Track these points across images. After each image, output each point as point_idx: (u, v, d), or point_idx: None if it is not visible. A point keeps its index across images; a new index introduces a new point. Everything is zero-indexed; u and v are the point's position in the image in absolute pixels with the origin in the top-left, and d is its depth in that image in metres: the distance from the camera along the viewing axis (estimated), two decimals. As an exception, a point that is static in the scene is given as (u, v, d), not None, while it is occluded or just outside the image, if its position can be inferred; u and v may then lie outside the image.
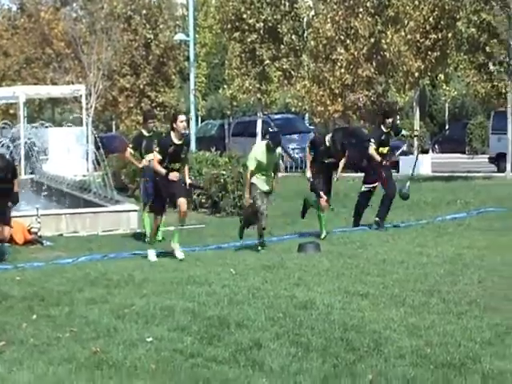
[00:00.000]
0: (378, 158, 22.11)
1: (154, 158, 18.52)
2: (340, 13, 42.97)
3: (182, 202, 17.77)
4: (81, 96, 38.95)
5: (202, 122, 64.93)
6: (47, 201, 28.19)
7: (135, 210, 25.20)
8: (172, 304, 12.69)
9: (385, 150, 22.50)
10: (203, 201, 30.31)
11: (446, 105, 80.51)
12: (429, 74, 42.24)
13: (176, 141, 18.03)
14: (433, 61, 40.61)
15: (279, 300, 12.85)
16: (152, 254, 18.36)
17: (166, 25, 57.13)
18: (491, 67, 38.31)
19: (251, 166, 19.03)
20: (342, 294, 13.44)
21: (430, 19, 40.00)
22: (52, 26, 52.30)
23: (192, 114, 57.07)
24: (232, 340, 10.75)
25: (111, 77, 51.94)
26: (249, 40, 46.62)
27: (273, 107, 53.20)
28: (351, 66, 42.25)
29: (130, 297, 13.46)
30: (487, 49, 38.12)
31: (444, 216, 23.89)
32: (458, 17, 39.55)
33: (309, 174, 21.54)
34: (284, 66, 46.83)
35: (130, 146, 24.14)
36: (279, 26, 46.11)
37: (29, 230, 23.01)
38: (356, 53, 42.46)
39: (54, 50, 51.89)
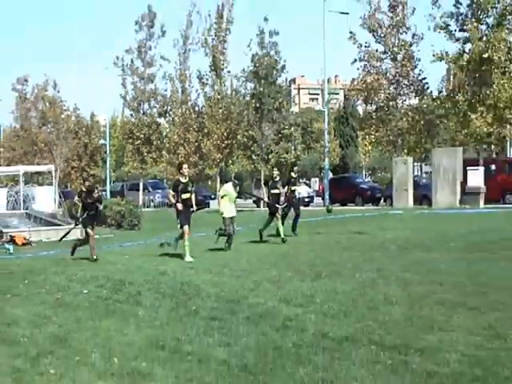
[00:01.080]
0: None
1: (169, 193, 15.91)
2: (181, 130, 42.87)
3: (186, 229, 15.10)
4: (51, 171, 38.09)
5: (113, 183, 64.00)
6: (35, 222, 27.50)
7: (79, 228, 24.74)
8: (97, 274, 12.43)
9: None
10: (112, 222, 29.96)
11: (233, 175, 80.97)
12: (224, 160, 42.53)
13: (183, 180, 15.22)
14: (226, 154, 40.92)
15: (150, 271, 12.76)
16: (188, 257, 14.81)
17: (96, 135, 56.45)
18: (254, 157, 38.90)
19: (221, 193, 16.74)
20: (182, 267, 13.38)
21: (225, 133, 40.37)
22: (37, 136, 51.07)
23: (108, 179, 56.54)
24: (126, 291, 10.65)
25: (67, 161, 51.07)
26: (136, 143, 46.26)
27: (148, 177, 52.78)
28: (186, 156, 42.24)
29: (75, 271, 13.14)
30: (252, 148, 38.77)
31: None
32: (238, 132, 40.01)
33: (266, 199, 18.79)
34: (154, 156, 46.61)
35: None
36: (152, 136, 45.93)
37: (24, 238, 22.44)
38: (189, 150, 42.46)
39: (39, 148, 50.75)
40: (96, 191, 16.87)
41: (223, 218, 16.45)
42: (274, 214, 18.32)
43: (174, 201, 15.22)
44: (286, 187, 19.10)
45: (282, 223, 18.53)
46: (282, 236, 17.90)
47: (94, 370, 6.60)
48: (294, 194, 20.17)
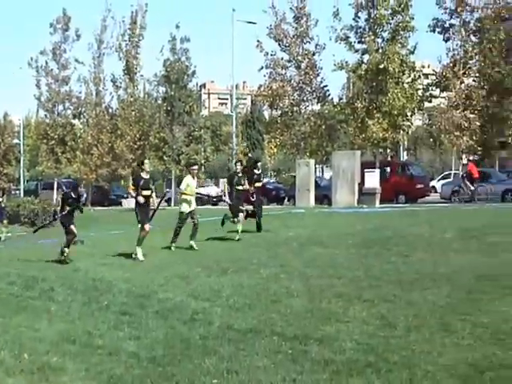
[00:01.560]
0: None
1: (128, 187, 14.27)
2: (95, 131, 41.85)
3: (147, 227, 14.01)
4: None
5: (27, 182, 62.03)
6: None
7: None
8: (9, 271, 11.88)
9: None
10: (26, 220, 29.30)
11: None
12: (136, 160, 41.52)
13: (144, 175, 14.10)
14: (138, 155, 40.13)
15: (64, 267, 12.36)
16: (140, 254, 13.89)
17: (9, 135, 54.29)
18: (165, 158, 38.43)
19: (183, 186, 15.22)
20: (94, 263, 12.97)
21: (137, 135, 39.90)
22: None
23: (22, 178, 54.76)
24: (39, 287, 10.32)
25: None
26: (50, 143, 45.00)
27: (62, 176, 51.24)
28: (99, 156, 41.48)
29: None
30: (163, 150, 38.33)
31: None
32: (150, 134, 39.54)
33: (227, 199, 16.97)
34: (68, 157, 45.40)
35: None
36: (66, 137, 44.70)
37: None
38: (102, 150, 41.64)
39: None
40: (80, 187, 15.60)
41: (181, 212, 15.31)
42: (237, 215, 16.88)
43: (134, 194, 14.05)
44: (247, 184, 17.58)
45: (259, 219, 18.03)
46: (238, 236, 16.62)
47: (2, 367, 6.37)
48: (259, 191, 18.67)
